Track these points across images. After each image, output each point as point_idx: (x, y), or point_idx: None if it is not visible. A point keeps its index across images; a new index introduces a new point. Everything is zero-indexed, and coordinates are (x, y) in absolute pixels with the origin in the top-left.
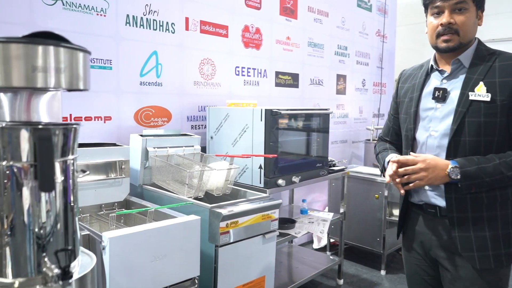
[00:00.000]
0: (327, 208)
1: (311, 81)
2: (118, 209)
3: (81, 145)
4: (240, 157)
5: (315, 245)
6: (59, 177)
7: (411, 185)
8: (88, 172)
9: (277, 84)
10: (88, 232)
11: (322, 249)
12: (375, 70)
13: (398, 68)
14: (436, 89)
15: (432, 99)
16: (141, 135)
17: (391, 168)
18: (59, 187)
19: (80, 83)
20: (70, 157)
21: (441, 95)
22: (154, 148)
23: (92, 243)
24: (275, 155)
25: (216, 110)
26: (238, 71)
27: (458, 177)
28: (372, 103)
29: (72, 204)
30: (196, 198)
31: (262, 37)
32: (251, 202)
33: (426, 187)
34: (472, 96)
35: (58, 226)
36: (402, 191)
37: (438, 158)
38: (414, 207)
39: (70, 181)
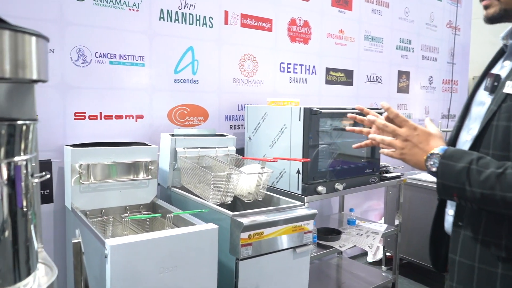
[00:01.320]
0: (383, 218)
1: (367, 78)
2: (144, 212)
3: (109, 144)
4: (267, 161)
5: (369, 258)
6: (3, 180)
7: (384, 150)
8: (47, 175)
9: (328, 82)
10: (79, 240)
11: (377, 263)
12: (445, 66)
13: (474, 64)
14: (489, 75)
15: (484, 89)
16: (171, 135)
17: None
18: (5, 191)
19: (30, 72)
20: (20, 158)
21: (489, 84)
22: (184, 148)
23: (98, 250)
24: (308, 159)
25: (254, 109)
26: (283, 67)
27: (434, 169)
28: (440, 102)
29: (24, 209)
30: (223, 204)
31: (311, 31)
32: (280, 211)
33: (449, 212)
34: (508, 87)
35: (6, 234)
36: (365, 143)
37: (437, 135)
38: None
39: (22, 184)
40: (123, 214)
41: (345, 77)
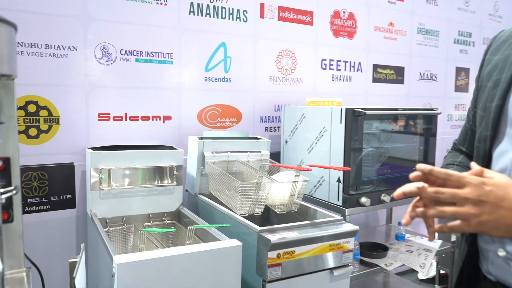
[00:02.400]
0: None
1: (420, 76)
2: (168, 221)
3: (132, 147)
4: (300, 170)
5: (421, 276)
6: None
7: (448, 224)
8: (15, 191)
9: (375, 80)
10: (76, 259)
11: (430, 281)
12: None
13: None
14: None
15: None
16: (199, 138)
17: (412, 184)
18: None
19: None
20: None
21: None
22: (212, 152)
23: (108, 266)
24: (348, 168)
25: (291, 110)
26: (325, 64)
27: None
28: None
29: None
30: (252, 216)
31: (357, 24)
32: (316, 226)
33: (500, 252)
34: None
35: None
36: (431, 236)
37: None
38: (487, 280)
39: None
40: (145, 223)
41: (395, 75)
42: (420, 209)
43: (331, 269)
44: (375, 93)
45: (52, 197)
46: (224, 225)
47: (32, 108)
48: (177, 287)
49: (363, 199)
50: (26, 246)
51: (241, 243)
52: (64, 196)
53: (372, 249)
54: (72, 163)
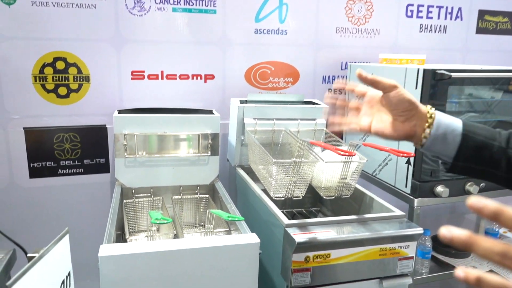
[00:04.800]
0: None
1: None
2: (201, 194)
3: (167, 111)
4: (344, 154)
5: None
6: None
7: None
8: None
9: (480, 30)
10: (35, 254)
11: None
12: None
13: None
14: None
15: None
16: (242, 101)
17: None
18: None
19: None
20: None
21: None
22: (254, 119)
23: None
24: (412, 154)
25: (356, 69)
26: (412, 10)
27: None
28: None
29: None
30: (289, 200)
31: None
32: (364, 223)
33: None
34: None
35: None
36: None
37: None
38: None
39: None
40: (175, 196)
41: (510, 24)
42: (464, 272)
43: (380, 278)
44: (479, 49)
45: (85, 161)
46: (236, 218)
47: (60, 65)
48: (176, 287)
49: (440, 188)
50: (55, 210)
51: (258, 240)
52: (97, 160)
53: (450, 246)
54: (105, 125)
